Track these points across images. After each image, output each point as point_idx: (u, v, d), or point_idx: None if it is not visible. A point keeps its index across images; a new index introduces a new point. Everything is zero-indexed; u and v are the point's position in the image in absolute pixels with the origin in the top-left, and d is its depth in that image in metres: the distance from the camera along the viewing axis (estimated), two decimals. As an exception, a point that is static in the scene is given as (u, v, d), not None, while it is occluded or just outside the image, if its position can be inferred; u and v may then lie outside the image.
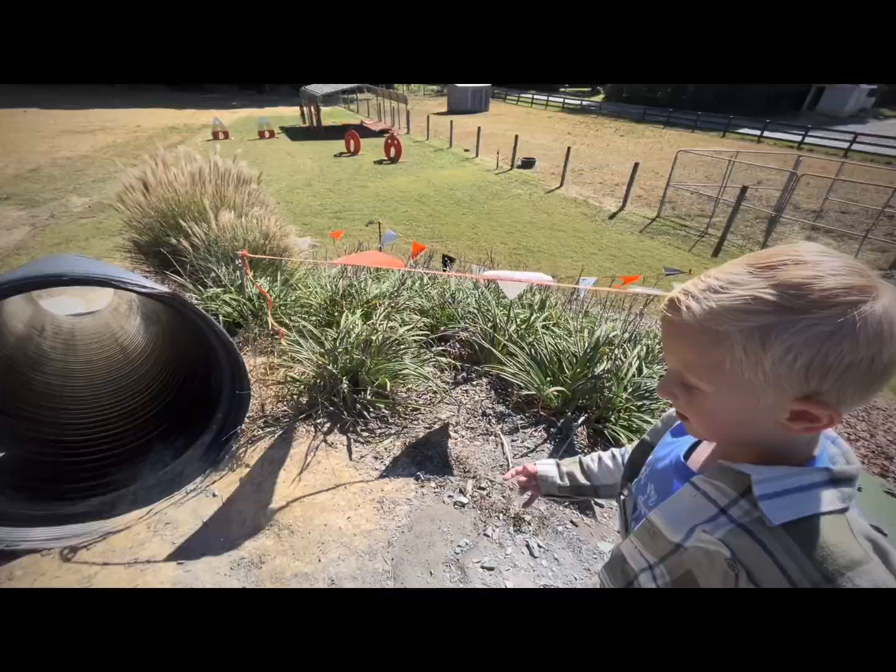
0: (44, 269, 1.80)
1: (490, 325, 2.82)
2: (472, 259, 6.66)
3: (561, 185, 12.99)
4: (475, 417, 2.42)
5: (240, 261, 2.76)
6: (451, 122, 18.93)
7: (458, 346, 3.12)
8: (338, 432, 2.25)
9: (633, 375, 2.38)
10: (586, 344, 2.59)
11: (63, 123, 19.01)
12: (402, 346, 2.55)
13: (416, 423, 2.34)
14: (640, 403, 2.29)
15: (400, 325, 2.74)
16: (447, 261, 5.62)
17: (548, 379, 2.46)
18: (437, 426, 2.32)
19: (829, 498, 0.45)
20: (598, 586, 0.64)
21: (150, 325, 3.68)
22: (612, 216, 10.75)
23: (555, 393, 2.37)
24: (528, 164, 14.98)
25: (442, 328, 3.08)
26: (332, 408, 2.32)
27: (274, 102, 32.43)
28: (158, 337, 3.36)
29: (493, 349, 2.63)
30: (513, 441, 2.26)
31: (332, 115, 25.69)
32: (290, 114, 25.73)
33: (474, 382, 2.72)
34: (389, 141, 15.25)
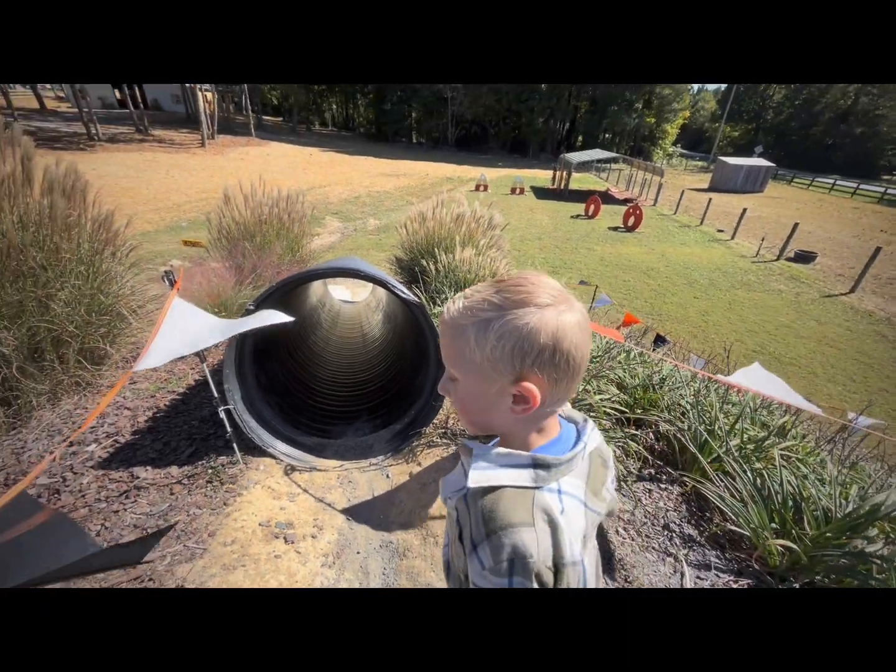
0: (347, 265, 2.49)
1: (705, 427, 2.36)
2: (696, 350, 5.77)
3: (851, 290, 10.04)
4: (653, 526, 2.04)
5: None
6: (710, 199, 17.24)
7: (652, 436, 2.73)
8: (502, 471, 2.27)
9: (935, 585, 1.57)
10: (850, 504, 1.87)
11: (382, 168, 26.13)
12: (591, 414, 2.40)
13: (582, 498, 2.14)
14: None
15: (595, 392, 2.59)
16: (660, 341, 5.06)
17: (772, 525, 1.88)
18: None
19: (524, 476, 0.56)
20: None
21: (386, 322, 4.58)
22: (934, 348, 7.61)
23: (780, 548, 1.78)
24: (803, 257, 12.22)
25: (639, 411, 2.76)
26: (504, 445, 2.36)
27: (532, 165, 36.51)
28: (390, 334, 4.15)
29: (701, 457, 2.19)
30: (699, 578, 1.80)
31: (581, 181, 27.05)
32: (543, 176, 28.42)
33: (663, 485, 2.31)
34: (631, 210, 14.98)
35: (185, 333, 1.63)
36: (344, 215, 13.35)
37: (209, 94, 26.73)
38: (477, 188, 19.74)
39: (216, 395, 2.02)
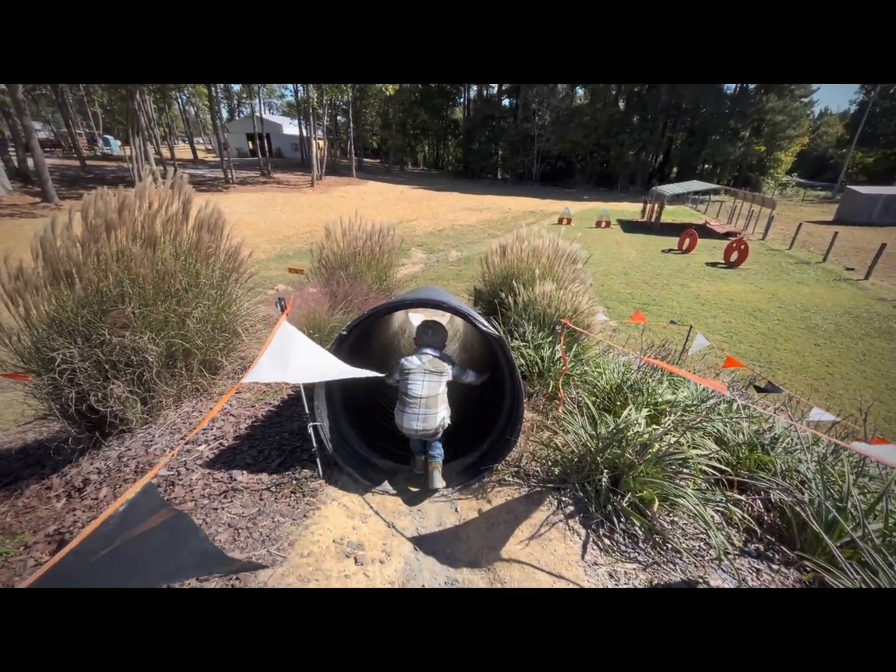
0: (432, 297, 2.59)
1: (833, 501, 1.98)
2: (820, 405, 4.92)
3: None
4: (763, 614, 1.73)
5: (560, 327, 3.09)
6: (836, 233, 15.08)
7: (759, 503, 2.36)
8: (579, 522, 2.11)
9: None
10: None
11: (466, 203, 27.23)
12: (684, 470, 2.15)
13: (671, 566, 1.89)
14: None
15: (689, 447, 2.33)
16: (768, 389, 4.39)
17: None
18: (701, 588, 1.80)
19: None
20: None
21: (462, 352, 4.64)
22: None
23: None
24: (970, 303, 9.99)
25: (744, 473, 2.41)
26: (581, 493, 2.21)
27: (620, 198, 35.36)
28: (465, 364, 4.18)
29: (828, 538, 1.82)
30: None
31: (674, 214, 25.49)
32: (632, 209, 27.33)
33: (774, 566, 1.96)
34: (734, 244, 13.66)
35: (287, 359, 1.82)
36: (428, 247, 14.06)
37: (321, 142, 30.53)
38: (560, 221, 19.56)
39: (307, 410, 2.20)
